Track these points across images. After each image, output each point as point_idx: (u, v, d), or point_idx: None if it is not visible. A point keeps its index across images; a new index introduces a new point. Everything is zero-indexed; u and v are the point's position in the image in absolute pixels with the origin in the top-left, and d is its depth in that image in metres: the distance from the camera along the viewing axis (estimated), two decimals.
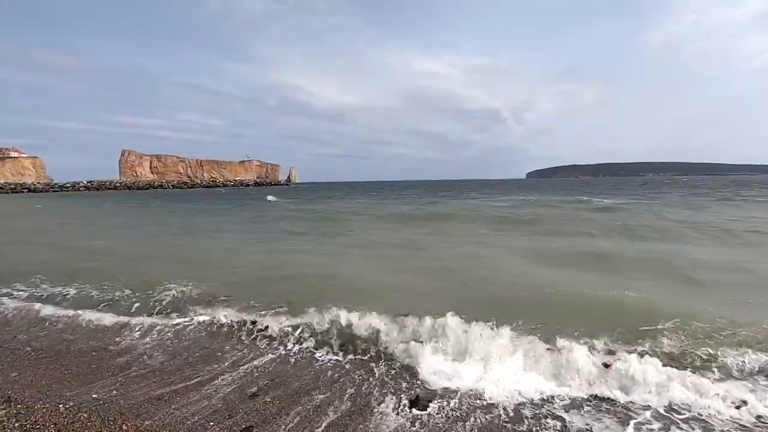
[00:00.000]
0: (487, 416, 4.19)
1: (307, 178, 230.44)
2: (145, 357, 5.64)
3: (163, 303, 7.74)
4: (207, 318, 6.92)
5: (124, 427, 3.91)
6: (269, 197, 55.81)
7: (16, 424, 3.84)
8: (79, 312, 7.38)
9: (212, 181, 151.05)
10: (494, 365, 5.04)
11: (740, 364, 4.91)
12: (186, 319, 6.94)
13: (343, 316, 6.31)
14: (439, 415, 4.20)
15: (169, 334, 6.45)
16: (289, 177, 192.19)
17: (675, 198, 38.39)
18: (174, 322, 6.84)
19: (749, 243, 13.32)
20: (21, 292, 8.71)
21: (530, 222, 20.37)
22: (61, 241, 16.57)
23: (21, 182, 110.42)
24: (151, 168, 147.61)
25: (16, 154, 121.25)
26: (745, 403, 4.25)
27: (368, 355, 5.63)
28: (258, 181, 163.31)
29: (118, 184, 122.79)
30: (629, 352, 5.13)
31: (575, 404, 4.41)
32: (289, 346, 5.97)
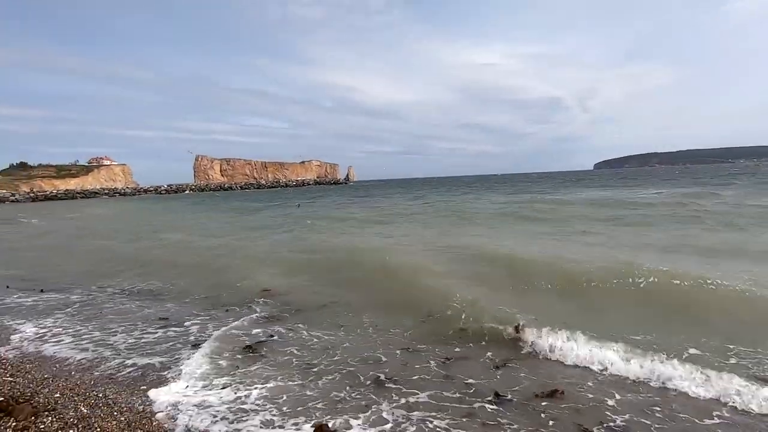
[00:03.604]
0: None
1: (363, 176, 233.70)
2: None
3: None
4: None
5: None
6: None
7: None
8: None
9: (276, 181, 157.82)
10: None
11: None
12: None
13: None
14: None
15: None
16: (347, 176, 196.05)
17: None
18: None
19: None
20: None
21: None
22: None
23: (113, 187, 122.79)
24: (221, 171, 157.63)
25: (108, 162, 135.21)
26: None
27: None
28: (318, 180, 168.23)
29: (193, 187, 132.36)
30: None
31: None
32: None
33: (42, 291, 10.23)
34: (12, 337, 6.90)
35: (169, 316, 7.98)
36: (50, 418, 4.08)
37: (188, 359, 5.82)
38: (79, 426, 3.98)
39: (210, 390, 4.95)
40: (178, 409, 4.50)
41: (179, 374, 5.36)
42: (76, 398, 4.63)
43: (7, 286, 10.74)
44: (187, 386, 5.02)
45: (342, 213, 30.24)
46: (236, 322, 7.51)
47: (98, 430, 3.94)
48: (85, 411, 4.30)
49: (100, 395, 4.74)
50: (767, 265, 9.42)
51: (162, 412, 4.45)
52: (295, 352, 6.18)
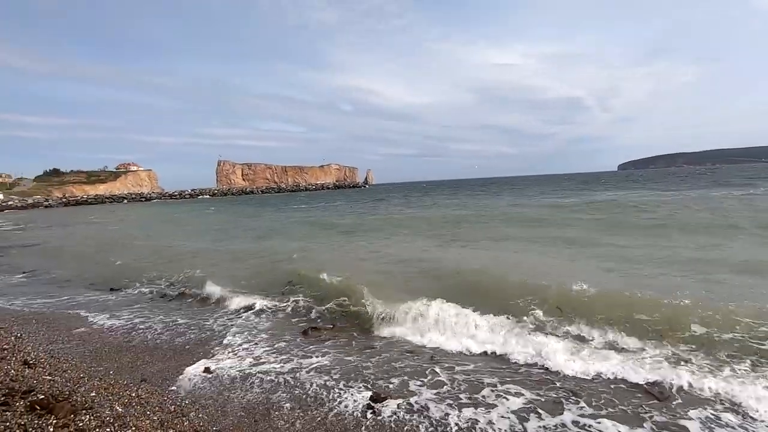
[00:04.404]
0: None
1: (382, 179, 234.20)
2: None
3: None
4: None
5: None
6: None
7: None
8: None
9: (295, 185, 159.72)
10: None
11: None
12: None
13: None
14: None
15: None
16: (366, 179, 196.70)
17: None
18: None
19: None
20: None
21: None
22: None
23: (139, 192, 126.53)
24: (242, 175, 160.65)
25: (135, 168, 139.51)
26: None
27: None
28: (337, 184, 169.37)
29: (216, 191, 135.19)
30: None
31: None
32: None
33: (111, 289, 10.94)
34: (108, 324, 7.87)
35: (249, 305, 8.86)
36: (88, 416, 4.23)
37: (250, 337, 6.78)
38: (115, 424, 4.11)
39: (267, 364, 5.69)
40: (241, 378, 5.29)
41: (238, 350, 6.25)
42: (111, 397, 4.79)
43: (72, 287, 11.42)
44: (246, 359, 5.87)
45: (344, 218, 30.29)
46: (291, 310, 8.43)
47: (133, 428, 4.08)
48: (120, 410, 4.45)
49: (134, 395, 4.89)
50: None
51: (228, 381, 5.25)
52: (355, 335, 6.90)
